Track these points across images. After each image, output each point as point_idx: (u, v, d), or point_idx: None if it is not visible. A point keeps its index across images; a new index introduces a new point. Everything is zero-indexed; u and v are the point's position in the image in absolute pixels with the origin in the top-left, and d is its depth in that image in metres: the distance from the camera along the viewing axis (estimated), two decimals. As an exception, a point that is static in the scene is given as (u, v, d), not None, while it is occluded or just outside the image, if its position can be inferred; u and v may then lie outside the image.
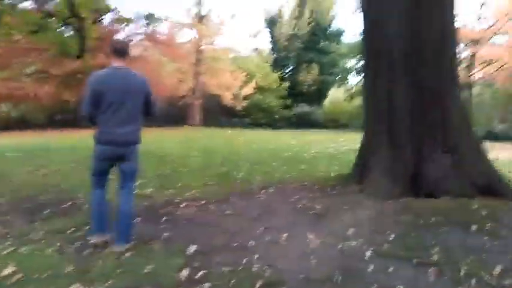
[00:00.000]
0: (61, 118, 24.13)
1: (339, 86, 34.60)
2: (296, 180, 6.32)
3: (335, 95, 32.85)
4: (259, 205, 4.75)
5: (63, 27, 9.89)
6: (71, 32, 10.07)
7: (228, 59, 30.00)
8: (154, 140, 15.40)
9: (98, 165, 3.30)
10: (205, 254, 3.17)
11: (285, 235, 3.61)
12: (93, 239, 3.29)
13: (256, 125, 28.50)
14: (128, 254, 3.11)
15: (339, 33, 35.56)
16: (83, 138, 9.39)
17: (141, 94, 3.25)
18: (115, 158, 3.23)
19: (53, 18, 9.19)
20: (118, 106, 3.11)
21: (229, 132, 21.75)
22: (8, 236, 3.53)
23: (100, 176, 3.34)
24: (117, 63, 3.22)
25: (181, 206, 4.68)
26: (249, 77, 28.94)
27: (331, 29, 35.18)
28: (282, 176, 6.82)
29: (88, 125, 3.35)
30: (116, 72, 3.19)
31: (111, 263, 2.93)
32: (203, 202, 4.84)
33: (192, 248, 3.26)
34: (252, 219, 4.17)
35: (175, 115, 27.09)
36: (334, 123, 28.70)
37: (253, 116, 29.55)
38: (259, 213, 4.40)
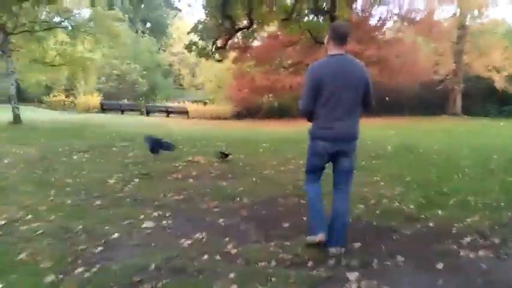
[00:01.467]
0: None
1: None
2: None
3: None
4: None
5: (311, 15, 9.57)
6: (320, 17, 9.56)
7: (499, 34, 24.53)
8: (408, 132, 13.68)
9: (314, 162, 3.05)
10: None
11: None
12: (313, 238, 3.00)
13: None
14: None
15: None
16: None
17: (361, 84, 2.86)
18: (333, 154, 2.94)
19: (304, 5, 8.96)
20: (337, 98, 2.82)
21: (501, 123, 17.56)
22: (237, 260, 2.90)
23: (315, 174, 3.10)
24: (335, 50, 2.87)
25: (463, 242, 3.14)
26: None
27: None
28: None
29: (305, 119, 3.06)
30: (334, 61, 2.86)
31: None
32: (497, 241, 3.14)
33: None
34: None
35: (431, 103, 24.11)
36: None
37: (534, 103, 23.11)
38: None
